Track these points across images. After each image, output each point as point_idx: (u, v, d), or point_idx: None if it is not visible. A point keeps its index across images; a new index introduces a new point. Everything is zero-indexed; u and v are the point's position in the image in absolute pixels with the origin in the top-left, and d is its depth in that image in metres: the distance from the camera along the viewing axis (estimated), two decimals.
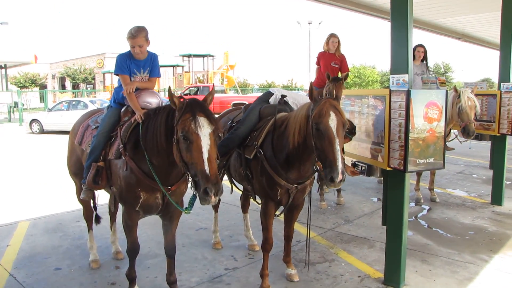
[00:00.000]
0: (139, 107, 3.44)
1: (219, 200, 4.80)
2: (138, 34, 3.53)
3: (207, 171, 2.65)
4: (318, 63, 6.81)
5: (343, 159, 3.01)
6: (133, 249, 3.52)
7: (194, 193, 2.83)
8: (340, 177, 2.90)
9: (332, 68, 6.47)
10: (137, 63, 3.68)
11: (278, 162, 3.50)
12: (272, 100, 4.12)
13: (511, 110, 5.92)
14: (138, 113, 3.36)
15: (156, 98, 3.66)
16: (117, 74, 3.71)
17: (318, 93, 3.28)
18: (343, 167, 2.95)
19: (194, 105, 2.82)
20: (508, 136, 6.15)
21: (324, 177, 3.00)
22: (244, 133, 3.89)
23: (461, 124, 5.63)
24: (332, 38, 6.58)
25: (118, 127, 3.58)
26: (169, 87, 3.09)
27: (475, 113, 5.70)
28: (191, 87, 26.85)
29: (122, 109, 3.71)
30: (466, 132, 5.60)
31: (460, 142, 6.45)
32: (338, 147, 2.96)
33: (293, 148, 3.34)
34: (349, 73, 7.04)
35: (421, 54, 6.89)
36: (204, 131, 2.74)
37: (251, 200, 4.63)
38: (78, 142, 4.02)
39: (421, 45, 6.91)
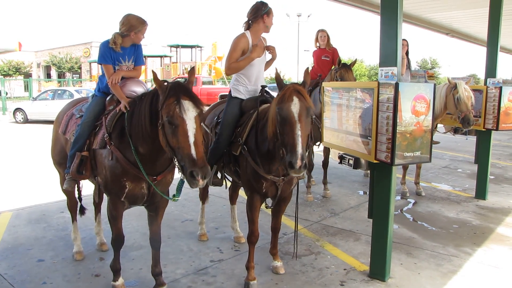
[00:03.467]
0: (124, 97, 3.39)
1: (208, 191, 4.81)
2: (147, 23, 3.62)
3: (194, 155, 2.64)
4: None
5: (306, 145, 2.96)
6: (118, 240, 3.48)
7: (182, 177, 2.82)
8: (299, 162, 2.84)
9: (323, 61, 6.50)
10: (122, 51, 3.62)
11: (261, 155, 3.46)
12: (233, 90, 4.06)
13: (497, 105, 5.98)
14: (123, 102, 3.31)
15: (141, 87, 3.61)
16: (100, 64, 3.65)
17: (282, 80, 3.27)
18: (304, 153, 2.89)
19: (178, 88, 2.78)
20: (493, 131, 6.22)
21: (283, 163, 2.97)
22: (226, 140, 3.85)
23: (460, 114, 5.67)
24: (321, 33, 6.65)
25: (103, 116, 3.53)
26: (153, 71, 3.07)
27: (471, 104, 5.74)
28: (178, 77, 26.63)
29: (107, 98, 3.65)
30: (466, 122, 5.63)
31: (454, 134, 6.60)
32: (299, 132, 2.92)
33: (271, 139, 3.29)
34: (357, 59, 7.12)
35: (405, 47, 6.92)
36: (189, 114, 2.71)
37: (239, 192, 4.63)
38: (62, 132, 3.95)
39: (403, 39, 6.92)
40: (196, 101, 2.78)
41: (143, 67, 3.96)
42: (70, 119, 3.94)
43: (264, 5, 3.94)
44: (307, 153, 3.12)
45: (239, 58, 3.96)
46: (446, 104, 5.86)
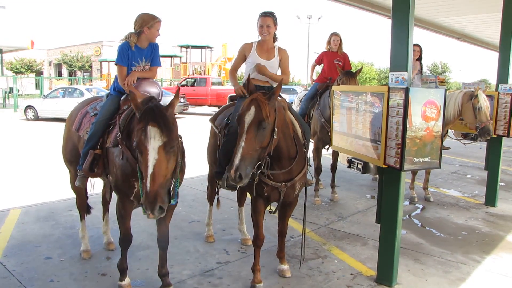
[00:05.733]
0: (140, 95, 3.43)
1: (215, 193, 4.78)
2: (160, 19, 3.66)
3: (147, 187, 2.57)
4: (318, 61, 6.89)
5: (248, 155, 2.91)
6: (125, 240, 3.49)
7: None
8: (232, 173, 2.85)
9: (335, 65, 6.49)
10: (140, 52, 3.71)
11: None
12: None
13: (508, 111, 5.92)
14: None
15: (156, 88, 3.67)
16: (116, 64, 3.71)
17: (254, 87, 3.26)
18: (240, 164, 2.86)
19: (148, 113, 2.69)
20: (504, 138, 6.16)
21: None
22: (237, 130, 3.80)
23: (479, 124, 5.64)
24: (334, 36, 6.63)
25: (117, 115, 3.58)
26: (131, 91, 2.93)
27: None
28: (188, 78, 26.74)
29: (122, 97, 3.71)
30: (486, 133, 5.62)
31: (464, 144, 6.60)
32: (242, 143, 2.91)
33: None
34: (362, 66, 7.08)
35: (417, 53, 6.89)
36: (153, 144, 2.61)
37: (247, 194, 4.61)
38: (76, 129, 4.00)
39: (416, 44, 6.90)
40: (165, 129, 2.66)
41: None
42: (84, 117, 3.99)
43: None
44: (260, 163, 3.11)
45: (240, 62, 4.31)
46: (462, 112, 5.81)
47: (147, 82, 3.68)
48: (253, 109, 2.97)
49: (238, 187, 4.06)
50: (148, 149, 2.61)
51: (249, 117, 2.96)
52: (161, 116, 2.69)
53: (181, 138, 3.35)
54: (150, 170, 2.58)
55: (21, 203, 5.88)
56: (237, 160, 2.87)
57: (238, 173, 2.86)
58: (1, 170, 8.18)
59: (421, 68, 7.07)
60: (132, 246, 3.63)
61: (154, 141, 2.62)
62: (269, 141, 3.03)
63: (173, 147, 2.70)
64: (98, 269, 3.97)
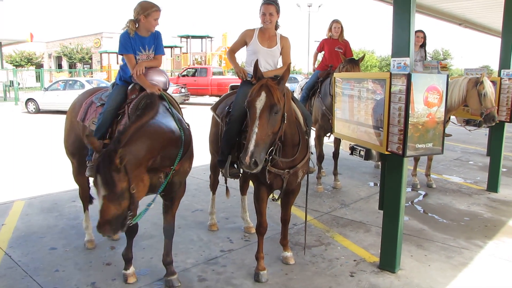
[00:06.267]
0: (150, 86, 3.49)
1: (218, 181, 4.81)
2: (160, 8, 3.64)
3: (99, 219, 2.67)
4: (319, 49, 6.86)
5: (262, 141, 2.89)
6: (131, 229, 3.50)
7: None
8: (247, 159, 2.82)
9: (336, 52, 6.46)
10: (142, 40, 3.71)
11: None
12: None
13: (511, 97, 5.90)
14: (150, 90, 3.44)
15: (163, 77, 3.71)
16: (121, 54, 3.69)
17: (262, 74, 3.24)
18: (256, 150, 2.84)
19: (98, 163, 2.69)
20: (506, 123, 6.14)
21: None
22: (238, 118, 3.79)
23: (484, 110, 5.62)
24: (335, 24, 6.59)
25: (125, 105, 3.60)
26: (87, 135, 2.94)
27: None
28: (188, 68, 26.65)
29: (129, 87, 3.71)
30: (491, 119, 5.60)
31: (469, 130, 6.59)
32: (255, 129, 2.89)
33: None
34: (364, 54, 7.07)
35: (420, 39, 6.85)
36: (101, 192, 2.66)
37: (249, 182, 4.62)
38: (81, 119, 3.99)
39: (420, 31, 6.86)
40: (105, 185, 2.64)
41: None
42: (90, 107, 3.99)
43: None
44: (272, 149, 3.10)
45: (239, 46, 4.28)
46: (467, 98, 5.78)
47: (155, 71, 3.70)
48: (263, 94, 2.96)
49: (240, 175, 4.07)
50: (98, 194, 2.69)
51: (260, 102, 2.95)
52: (105, 171, 2.65)
53: (188, 126, 3.40)
54: (99, 208, 2.67)
55: (25, 195, 5.90)
56: (251, 146, 2.85)
57: (253, 159, 2.84)
58: (4, 162, 8.21)
59: (425, 55, 7.02)
60: (136, 236, 3.64)
61: (100, 189, 2.66)
62: (280, 126, 3.03)
63: (118, 198, 2.68)
64: (103, 259, 3.99)
